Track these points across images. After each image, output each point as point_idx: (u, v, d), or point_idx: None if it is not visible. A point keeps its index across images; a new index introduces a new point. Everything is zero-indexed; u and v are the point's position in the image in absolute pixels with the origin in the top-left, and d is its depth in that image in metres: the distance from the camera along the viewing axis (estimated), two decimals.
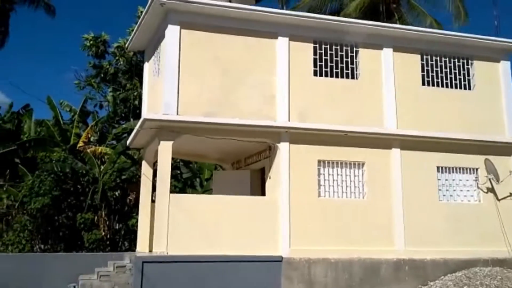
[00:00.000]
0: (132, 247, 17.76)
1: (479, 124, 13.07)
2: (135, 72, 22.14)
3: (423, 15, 20.87)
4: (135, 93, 20.88)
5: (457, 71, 13.31)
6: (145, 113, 13.19)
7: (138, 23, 12.45)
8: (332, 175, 11.98)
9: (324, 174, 11.91)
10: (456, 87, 13.23)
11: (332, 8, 21.57)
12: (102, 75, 21.80)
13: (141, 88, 20.74)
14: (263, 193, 12.91)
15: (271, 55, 11.92)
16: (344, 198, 11.93)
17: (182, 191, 19.31)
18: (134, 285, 10.01)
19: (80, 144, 18.64)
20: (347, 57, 12.51)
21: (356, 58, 12.60)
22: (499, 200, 12.86)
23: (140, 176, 17.45)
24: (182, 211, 10.73)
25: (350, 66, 12.52)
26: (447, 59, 13.26)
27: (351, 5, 19.91)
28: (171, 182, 17.07)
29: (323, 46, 12.35)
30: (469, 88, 13.36)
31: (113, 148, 18.59)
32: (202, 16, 11.46)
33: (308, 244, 11.34)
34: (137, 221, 16.76)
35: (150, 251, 12.08)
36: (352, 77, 12.53)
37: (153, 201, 13.33)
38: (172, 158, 16.66)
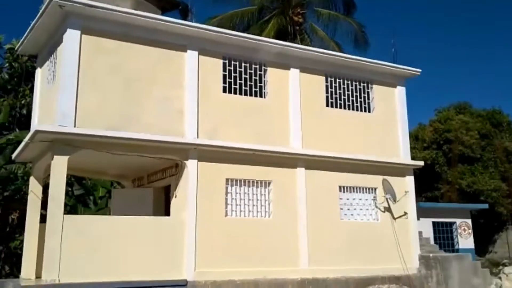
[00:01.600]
0: (14, 272, 15.96)
1: (378, 146, 13.68)
2: (25, 78, 20.24)
3: (326, 39, 21.73)
4: (23, 101, 19.00)
5: (358, 94, 13.85)
6: (36, 124, 11.95)
7: (32, 24, 11.25)
8: (239, 193, 11.72)
9: (231, 193, 11.61)
10: (357, 109, 13.75)
11: (240, 28, 21.71)
12: None
13: (31, 96, 19.07)
14: (166, 213, 12.25)
15: (179, 69, 11.44)
16: (251, 217, 11.72)
17: (74, 209, 17.83)
18: None
19: None
20: (255, 75, 12.43)
21: (264, 77, 12.57)
22: (395, 219, 13.49)
23: (25, 193, 15.88)
24: (77, 234, 9.73)
25: (258, 84, 12.45)
26: (350, 82, 13.76)
27: (265, 31, 20.07)
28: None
29: (233, 62, 12.15)
30: (369, 111, 13.96)
31: None
32: (106, 22, 10.66)
33: (214, 266, 10.90)
34: (20, 243, 15.17)
35: (38, 277, 10.81)
36: (260, 96, 12.46)
37: (42, 221, 12.05)
38: (71, 175, 15.34)
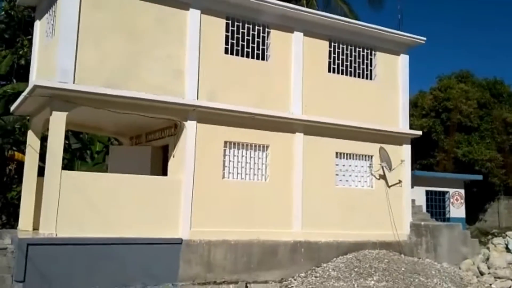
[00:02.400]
0: (11, 221, 16.21)
1: (377, 114, 13.66)
2: (22, 28, 19.86)
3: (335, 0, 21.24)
4: (21, 52, 18.70)
5: (361, 61, 13.70)
6: (34, 78, 11.85)
7: None
8: (237, 156, 11.79)
9: (229, 156, 11.67)
10: (359, 76, 13.65)
11: None
12: None
13: (30, 47, 18.76)
14: (164, 172, 12.36)
15: (181, 27, 11.24)
16: (248, 180, 11.82)
17: (70, 163, 17.92)
18: (17, 269, 9.01)
19: None
20: (258, 37, 12.25)
21: (267, 39, 12.38)
22: (389, 186, 13.65)
23: (24, 145, 15.92)
24: (74, 190, 9.82)
25: (261, 47, 12.28)
26: (353, 47, 13.59)
27: None
28: None
29: (236, 23, 11.94)
30: (371, 78, 13.86)
31: None
32: None
33: (209, 226, 11.09)
34: (17, 194, 15.35)
35: (35, 229, 10.99)
36: (263, 59, 12.32)
37: (39, 175, 12.14)
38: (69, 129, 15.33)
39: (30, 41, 19.37)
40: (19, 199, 15.33)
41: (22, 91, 17.37)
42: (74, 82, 9.94)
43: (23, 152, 16.35)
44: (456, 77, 32.33)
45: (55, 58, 10.18)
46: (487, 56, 59.08)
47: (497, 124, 28.45)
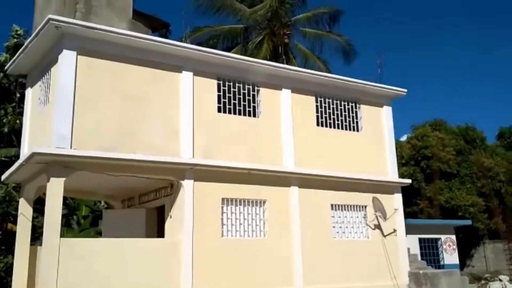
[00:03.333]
0: None
1: (367, 164, 13.94)
2: (3, 96, 19.85)
3: (312, 58, 22.12)
4: (4, 120, 18.58)
5: (347, 114, 14.13)
6: (26, 145, 11.79)
7: (26, 44, 11.15)
8: (235, 213, 11.75)
9: (226, 213, 11.62)
10: (346, 129, 14.02)
11: (228, 45, 21.97)
12: None
13: (13, 114, 18.71)
14: (159, 234, 12.18)
15: (175, 89, 11.48)
16: (246, 238, 11.73)
17: None
18: None
19: None
20: (249, 95, 12.58)
21: (257, 97, 12.72)
22: (385, 236, 13.71)
23: (8, 215, 15.52)
24: (73, 257, 9.54)
25: (252, 104, 12.59)
26: (338, 101, 14.04)
27: (259, 53, 20.32)
28: (42, 220, 15.37)
29: (227, 83, 12.27)
30: (358, 130, 14.24)
31: None
32: (102, 43, 10.64)
33: (210, 287, 10.84)
34: (4, 266, 14.77)
35: None
36: (254, 115, 12.59)
37: (31, 244, 11.82)
38: (44, 194, 15.06)
39: (13, 109, 19.38)
40: (6, 271, 14.82)
41: (6, 158, 17.24)
42: (71, 147, 9.91)
43: (9, 222, 15.92)
44: (430, 125, 33.38)
45: (50, 124, 10.19)
46: (457, 103, 61.46)
47: (475, 169, 29.20)
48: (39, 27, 10.35)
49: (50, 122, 10.27)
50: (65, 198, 18.43)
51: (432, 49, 66.28)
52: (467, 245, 28.01)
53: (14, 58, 11.90)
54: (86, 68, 10.48)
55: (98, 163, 10.13)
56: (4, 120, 18.77)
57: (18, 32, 18.81)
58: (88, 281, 9.56)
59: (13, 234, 15.62)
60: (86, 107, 10.33)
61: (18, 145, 18.96)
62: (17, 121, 18.94)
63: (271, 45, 21.35)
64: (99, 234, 17.78)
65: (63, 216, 18.70)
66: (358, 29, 58.19)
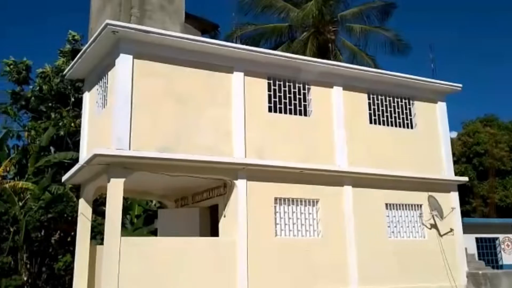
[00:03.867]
0: None
1: (422, 162, 13.59)
2: (58, 100, 20.60)
3: (359, 54, 21.83)
4: (60, 123, 19.30)
5: (400, 111, 13.82)
6: (85, 148, 12.16)
7: (84, 49, 11.52)
8: (288, 213, 11.72)
9: (279, 212, 11.61)
10: (400, 126, 13.72)
11: (272, 45, 21.97)
12: (23, 103, 19.91)
13: (68, 118, 19.38)
14: (212, 233, 12.30)
15: (227, 90, 11.57)
16: (300, 237, 11.68)
17: None
18: None
19: None
20: (299, 94, 12.50)
21: (308, 95, 12.63)
22: (441, 235, 13.33)
23: (67, 214, 16.08)
24: (134, 256, 9.79)
25: (302, 103, 12.51)
26: (391, 98, 13.75)
27: (306, 50, 20.29)
28: (98, 220, 15.80)
29: (277, 82, 12.25)
30: (412, 127, 13.91)
31: (35, 183, 16.88)
32: (156, 47, 10.85)
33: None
34: (64, 264, 15.31)
35: None
36: (305, 114, 12.51)
37: (94, 243, 12.20)
38: (102, 194, 15.50)
39: (68, 112, 20.08)
40: (65, 269, 15.38)
41: (66, 161, 17.86)
42: (129, 149, 10.16)
43: (66, 222, 16.49)
44: (481, 122, 32.26)
45: (109, 126, 10.48)
46: (507, 98, 59.02)
47: None
48: (97, 33, 10.65)
49: (109, 124, 10.56)
50: None
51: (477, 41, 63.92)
52: None
53: (72, 63, 12.30)
54: (141, 71, 10.72)
55: (155, 164, 10.35)
56: (60, 124, 19.48)
57: (75, 38, 19.46)
58: (147, 280, 9.76)
59: (68, 235, 16.24)
60: (142, 110, 10.56)
61: (73, 148, 19.68)
62: (72, 124, 19.67)
63: (315, 43, 21.21)
64: (151, 233, 18.20)
65: None
66: (410, 23, 56.81)
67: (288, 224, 11.65)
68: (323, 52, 19.72)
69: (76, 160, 18.90)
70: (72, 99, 20.35)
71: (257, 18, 23.02)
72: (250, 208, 11.14)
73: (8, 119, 20.41)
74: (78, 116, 19.88)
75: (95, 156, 9.84)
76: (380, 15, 22.51)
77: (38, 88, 19.80)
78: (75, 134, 20.02)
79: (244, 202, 11.09)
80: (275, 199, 11.56)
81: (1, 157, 17.86)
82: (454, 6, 62.70)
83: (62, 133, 19.45)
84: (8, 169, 17.36)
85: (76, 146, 19.73)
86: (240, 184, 11.16)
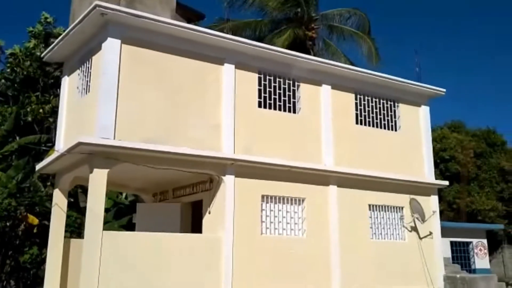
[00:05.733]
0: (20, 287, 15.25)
1: (405, 165, 13.62)
2: (28, 85, 19.62)
3: (339, 55, 21.74)
4: (28, 108, 18.35)
5: (385, 112, 13.80)
6: (63, 136, 11.51)
7: (67, 31, 10.86)
8: (273, 211, 11.45)
9: (265, 210, 11.33)
10: (384, 128, 13.69)
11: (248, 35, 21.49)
12: None
13: (37, 103, 18.47)
14: (193, 229, 11.92)
15: (217, 82, 11.18)
16: (285, 236, 11.45)
17: (82, 222, 17.18)
18: None
19: None
20: (289, 91, 12.25)
21: (297, 93, 12.40)
22: (421, 238, 13.40)
23: (37, 204, 15.29)
24: (115, 251, 9.28)
25: (292, 100, 12.27)
26: (377, 99, 13.70)
27: (279, 40, 20.00)
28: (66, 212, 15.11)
29: (267, 77, 11.95)
30: (395, 130, 13.91)
31: (2, 170, 15.96)
32: (147, 32, 10.34)
33: (248, 286, 10.56)
34: (30, 257, 14.56)
35: None
36: (294, 111, 12.27)
37: (66, 237, 11.58)
38: (78, 186, 14.77)
39: (37, 98, 19.14)
40: (31, 262, 14.60)
41: (31, 146, 17.01)
42: (114, 138, 9.63)
43: (33, 213, 15.66)
44: (448, 127, 33.04)
45: (93, 114, 9.91)
46: (476, 105, 60.83)
47: (495, 173, 28.87)
48: (84, 14, 10.04)
49: (92, 112, 9.99)
50: (86, 189, 18.36)
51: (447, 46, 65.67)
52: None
53: (52, 45, 11.60)
54: (130, 57, 10.19)
55: (141, 155, 9.86)
56: (28, 109, 18.55)
57: (48, 20, 18.51)
58: (128, 276, 9.29)
59: (34, 226, 15.41)
60: (129, 97, 10.03)
61: (40, 133, 18.78)
62: (40, 110, 18.77)
63: (292, 36, 20.82)
64: (122, 227, 17.56)
65: (83, 208, 18.60)
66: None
67: (273, 222, 11.39)
68: (297, 47, 19.36)
69: (45, 144, 18.08)
70: (41, 84, 19.43)
71: (241, 14, 22.63)
72: (237, 205, 10.81)
73: None
74: (47, 102, 19.01)
75: (79, 144, 9.25)
76: (359, 25, 22.44)
77: (8, 70, 18.78)
78: (43, 120, 19.13)
79: (231, 198, 10.74)
80: (262, 196, 11.27)
81: None
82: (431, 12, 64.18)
83: (29, 118, 18.52)
84: None
85: (44, 133, 18.86)
86: (228, 180, 10.80)
